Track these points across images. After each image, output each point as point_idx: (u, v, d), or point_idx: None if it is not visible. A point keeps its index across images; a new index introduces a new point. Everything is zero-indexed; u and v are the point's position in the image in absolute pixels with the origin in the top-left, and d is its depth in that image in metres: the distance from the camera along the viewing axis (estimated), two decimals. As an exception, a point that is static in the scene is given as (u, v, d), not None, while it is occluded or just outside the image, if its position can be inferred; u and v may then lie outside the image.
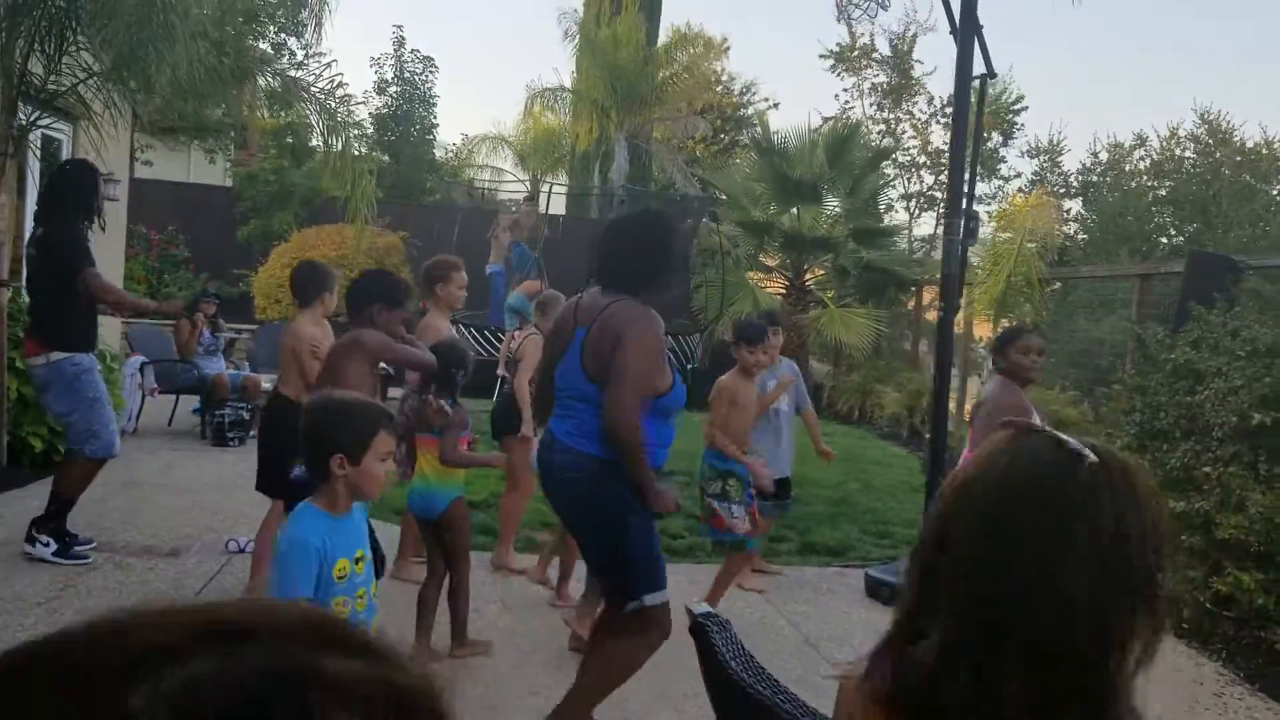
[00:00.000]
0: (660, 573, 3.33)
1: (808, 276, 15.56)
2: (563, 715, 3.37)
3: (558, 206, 24.03)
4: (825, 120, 23.43)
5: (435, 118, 22.17)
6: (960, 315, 14.16)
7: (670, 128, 23.07)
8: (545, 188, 25.35)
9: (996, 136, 23.23)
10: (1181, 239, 16.24)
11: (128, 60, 7.71)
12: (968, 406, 13.77)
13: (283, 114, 16.26)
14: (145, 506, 6.48)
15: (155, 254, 15.85)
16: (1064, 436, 1.15)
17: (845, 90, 24.71)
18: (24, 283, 5.57)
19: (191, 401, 9.61)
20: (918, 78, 23.98)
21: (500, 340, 12.87)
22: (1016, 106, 22.92)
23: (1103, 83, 42.72)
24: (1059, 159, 21.37)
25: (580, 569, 4.71)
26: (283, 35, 18.27)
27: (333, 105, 8.81)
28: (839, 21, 24.59)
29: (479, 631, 4.55)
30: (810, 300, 15.02)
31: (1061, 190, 20.52)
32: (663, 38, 23.68)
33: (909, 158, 23.95)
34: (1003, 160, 23.41)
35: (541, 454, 3.50)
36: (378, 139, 20.56)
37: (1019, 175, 22.93)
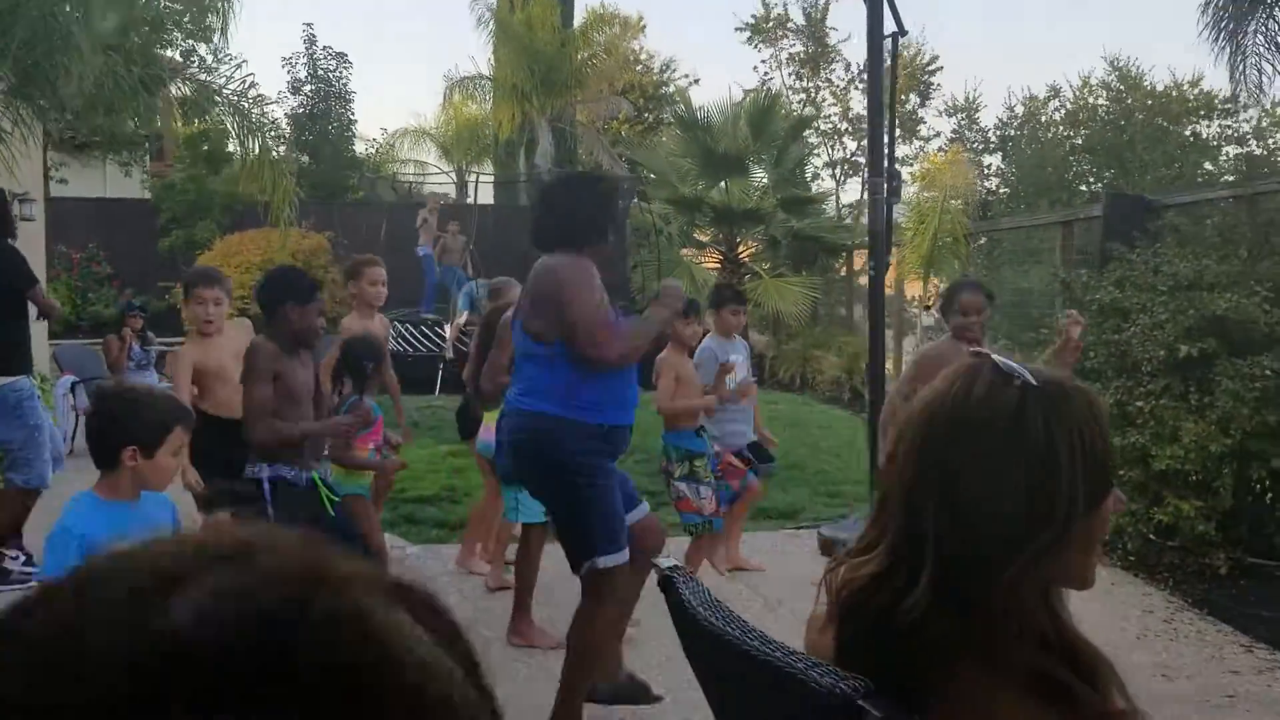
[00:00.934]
0: (622, 533, 3.27)
1: (741, 250, 15.65)
2: (559, 716, 3.34)
3: (486, 196, 23.89)
4: (746, 93, 23.51)
5: (353, 114, 21.87)
6: (891, 275, 14.40)
7: (593, 109, 23.00)
8: (471, 178, 25.21)
9: (914, 98, 23.51)
10: (1099, 185, 16.60)
11: (32, 75, 7.52)
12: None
13: (197, 121, 15.91)
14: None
15: (77, 272, 15.51)
16: (1001, 359, 1.20)
17: (764, 62, 24.83)
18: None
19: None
20: (833, 45, 24.19)
21: (438, 333, 12.80)
22: (931, 67, 23.20)
23: (1015, 37, 43.37)
24: (976, 116, 21.71)
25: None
26: (190, 42, 17.87)
27: (246, 107, 8.64)
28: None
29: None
30: (745, 272, 15.12)
31: (980, 146, 20.84)
32: (578, 19, 23.59)
33: (830, 125, 24.15)
34: (921, 121, 23.70)
35: (498, 423, 3.50)
36: (296, 139, 20.21)
37: (939, 135, 23.25)
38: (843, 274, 16.19)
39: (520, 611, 4.49)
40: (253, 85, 8.35)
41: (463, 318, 11.91)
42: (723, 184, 15.15)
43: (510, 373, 4.40)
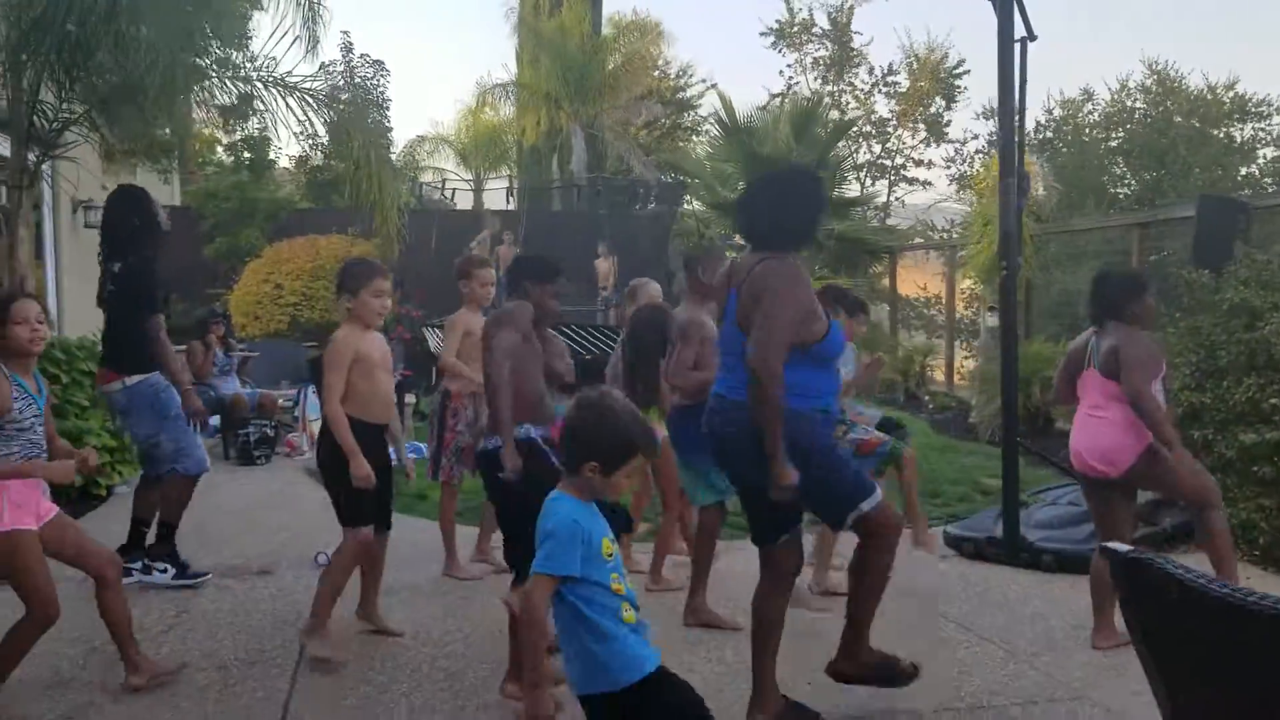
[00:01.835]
0: (865, 478, 3.51)
1: (785, 253, 15.67)
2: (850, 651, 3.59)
3: (497, 202, 23.94)
4: (773, 96, 23.67)
5: (389, 121, 22.00)
6: (944, 276, 14.46)
7: (621, 114, 23.12)
8: (502, 184, 25.26)
9: (939, 101, 23.63)
10: (1136, 187, 16.70)
11: (130, 91, 7.52)
12: (959, 368, 14.06)
13: (241, 127, 15.98)
14: (206, 530, 6.39)
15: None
16: None
17: (789, 66, 24.95)
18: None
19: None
20: (858, 49, 24.31)
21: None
22: (958, 71, 23.33)
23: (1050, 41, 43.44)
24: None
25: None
26: (228, 50, 17.92)
27: (341, 107, 8.63)
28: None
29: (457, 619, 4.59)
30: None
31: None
32: (604, 27, 23.69)
33: (855, 129, 24.25)
34: (948, 124, 23.81)
35: (707, 419, 3.57)
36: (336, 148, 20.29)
37: (976, 137, 23.27)
38: (883, 278, 16.24)
39: (696, 593, 4.68)
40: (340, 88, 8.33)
41: None
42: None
43: (696, 367, 4.63)
